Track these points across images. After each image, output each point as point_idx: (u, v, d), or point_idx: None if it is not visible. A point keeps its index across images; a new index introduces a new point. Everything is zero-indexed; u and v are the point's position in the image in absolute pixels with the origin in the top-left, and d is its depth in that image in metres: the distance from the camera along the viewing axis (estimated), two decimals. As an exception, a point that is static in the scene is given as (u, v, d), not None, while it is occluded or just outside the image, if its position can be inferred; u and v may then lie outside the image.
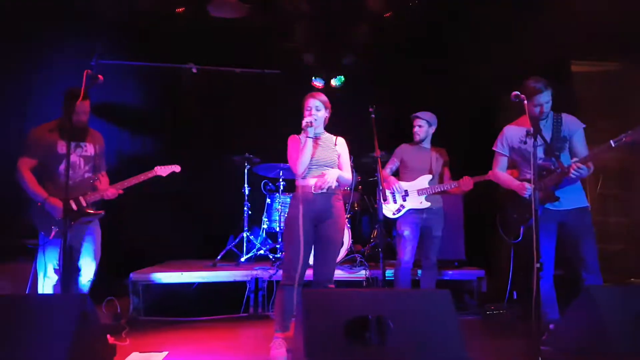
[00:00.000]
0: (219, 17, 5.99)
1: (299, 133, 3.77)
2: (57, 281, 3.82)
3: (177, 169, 4.41)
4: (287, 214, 3.77)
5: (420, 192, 4.66)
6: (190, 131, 6.74)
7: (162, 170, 4.31)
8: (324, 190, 3.68)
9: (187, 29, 6.39)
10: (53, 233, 3.77)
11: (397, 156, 4.88)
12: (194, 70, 6.81)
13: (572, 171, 3.53)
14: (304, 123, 3.64)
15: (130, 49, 6.55)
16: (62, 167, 3.88)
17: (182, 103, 6.76)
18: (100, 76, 3.34)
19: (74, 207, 3.87)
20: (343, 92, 6.94)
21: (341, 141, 3.93)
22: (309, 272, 3.75)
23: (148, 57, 6.66)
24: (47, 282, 3.84)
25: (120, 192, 4.07)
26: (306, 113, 3.73)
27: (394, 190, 4.73)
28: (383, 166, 4.81)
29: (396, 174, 4.90)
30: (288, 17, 6.13)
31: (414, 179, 4.73)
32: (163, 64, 6.73)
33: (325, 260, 3.72)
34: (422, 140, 4.77)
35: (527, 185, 3.79)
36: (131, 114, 6.40)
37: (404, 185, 4.74)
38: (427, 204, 4.63)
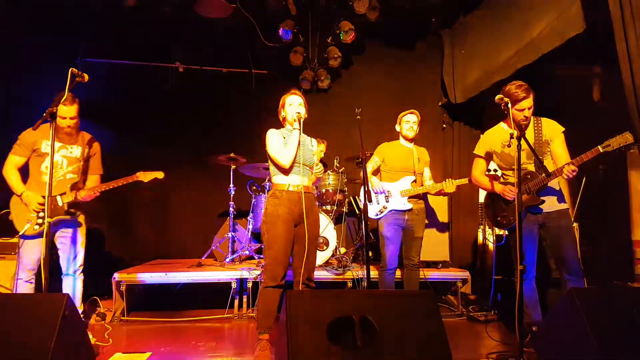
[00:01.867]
0: (206, 17, 5.95)
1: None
2: (26, 278, 3.91)
3: (159, 175, 4.32)
4: (268, 213, 3.68)
5: (402, 193, 4.65)
6: (176, 131, 6.70)
7: (144, 176, 4.26)
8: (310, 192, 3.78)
9: (174, 28, 6.36)
10: (26, 227, 3.86)
11: (378, 155, 4.83)
12: (180, 70, 6.80)
13: (567, 173, 3.50)
14: (295, 115, 3.70)
15: (115, 47, 6.52)
16: (43, 165, 4.00)
17: (167, 102, 6.72)
18: (85, 75, 3.30)
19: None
20: (329, 92, 6.94)
21: (315, 142, 4.03)
22: (288, 272, 3.75)
23: (134, 56, 6.64)
24: (20, 279, 3.91)
25: (97, 194, 4.13)
26: (292, 109, 3.77)
27: (376, 190, 4.72)
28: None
29: (377, 174, 4.89)
30: (275, 17, 6.11)
31: (396, 179, 4.70)
32: (149, 63, 6.71)
33: (309, 259, 3.70)
34: (411, 139, 4.74)
35: (512, 188, 3.81)
36: (116, 113, 6.36)
37: (386, 185, 4.72)
38: (409, 205, 4.61)
